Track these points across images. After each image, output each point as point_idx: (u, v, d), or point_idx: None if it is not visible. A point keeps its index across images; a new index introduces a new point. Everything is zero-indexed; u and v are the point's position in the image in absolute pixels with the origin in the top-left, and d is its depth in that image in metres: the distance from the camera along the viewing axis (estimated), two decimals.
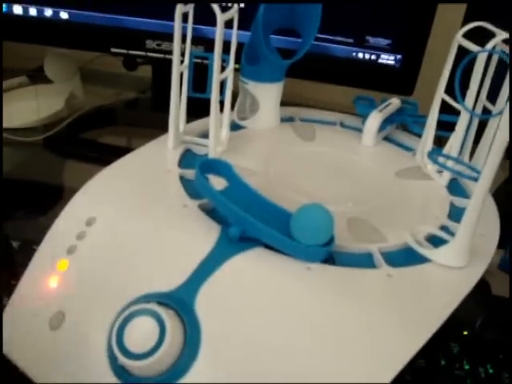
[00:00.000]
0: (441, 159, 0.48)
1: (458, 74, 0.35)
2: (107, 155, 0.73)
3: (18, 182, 0.67)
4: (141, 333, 0.33)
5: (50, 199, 0.65)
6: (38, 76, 0.86)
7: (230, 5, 0.48)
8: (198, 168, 0.41)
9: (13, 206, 0.62)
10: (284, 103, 0.60)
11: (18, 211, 0.61)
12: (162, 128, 0.53)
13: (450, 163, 0.50)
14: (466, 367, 0.46)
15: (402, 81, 0.68)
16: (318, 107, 0.66)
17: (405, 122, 0.60)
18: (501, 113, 0.35)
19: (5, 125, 0.72)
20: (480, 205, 0.37)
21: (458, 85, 0.37)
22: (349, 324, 0.34)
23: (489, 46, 0.45)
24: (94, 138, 0.78)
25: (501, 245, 0.46)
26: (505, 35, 0.45)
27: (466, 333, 0.49)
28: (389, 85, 0.68)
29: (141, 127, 0.80)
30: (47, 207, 0.63)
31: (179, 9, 0.45)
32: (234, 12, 0.48)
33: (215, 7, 0.43)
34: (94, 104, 0.83)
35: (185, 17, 0.47)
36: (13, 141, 0.71)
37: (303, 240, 0.37)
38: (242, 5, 0.64)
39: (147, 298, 0.36)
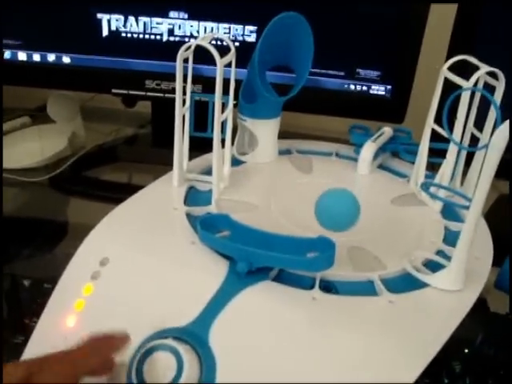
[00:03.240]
0: (433, 189, 0.50)
1: (445, 113, 0.38)
2: (110, 192, 0.75)
3: (25, 221, 0.69)
4: (160, 367, 0.35)
5: (57, 236, 0.66)
6: (39, 116, 0.88)
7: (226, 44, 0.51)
8: (199, 226, 0.44)
9: (21, 245, 0.63)
10: (281, 133, 0.62)
11: (26, 249, 0.63)
12: (162, 163, 0.55)
13: (442, 192, 0.52)
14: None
15: (392, 110, 0.70)
16: (314, 135, 0.68)
17: (397, 150, 0.63)
18: (486, 146, 0.38)
19: (11, 166, 0.74)
20: (472, 231, 0.40)
21: (446, 121, 0.39)
22: (353, 351, 0.36)
23: (472, 79, 0.48)
24: (96, 176, 0.80)
25: (495, 262, 0.48)
26: (487, 68, 0.48)
27: (466, 351, 0.51)
28: (380, 114, 0.70)
29: (141, 163, 0.83)
30: (55, 244, 0.65)
31: (180, 55, 0.48)
32: (231, 55, 0.50)
33: (215, 53, 0.46)
34: (95, 141, 0.85)
35: (185, 59, 0.50)
36: (19, 181, 0.73)
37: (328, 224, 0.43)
38: (236, 44, 0.67)
39: (163, 334, 0.38)
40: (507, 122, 0.36)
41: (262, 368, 0.36)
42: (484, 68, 0.48)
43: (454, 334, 0.39)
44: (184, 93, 0.51)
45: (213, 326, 0.38)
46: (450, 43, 0.65)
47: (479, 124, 0.53)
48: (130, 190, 0.52)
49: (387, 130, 0.63)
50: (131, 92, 0.72)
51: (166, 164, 0.54)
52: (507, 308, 0.58)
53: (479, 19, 0.62)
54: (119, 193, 0.53)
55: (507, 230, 0.71)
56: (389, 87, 0.69)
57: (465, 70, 0.51)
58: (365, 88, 0.70)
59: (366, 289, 0.42)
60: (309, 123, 0.80)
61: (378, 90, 0.69)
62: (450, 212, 0.53)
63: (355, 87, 0.70)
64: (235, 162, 0.59)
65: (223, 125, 0.52)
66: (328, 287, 0.42)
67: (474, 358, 0.51)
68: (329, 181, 0.57)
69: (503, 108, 0.48)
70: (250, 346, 0.37)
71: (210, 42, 0.47)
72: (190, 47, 0.49)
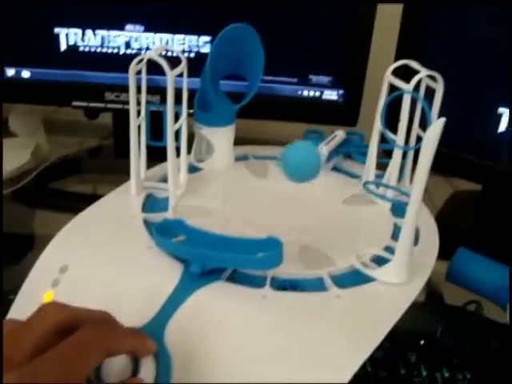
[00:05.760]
0: (374, 187, 0.53)
1: (383, 114, 0.40)
2: (75, 203, 0.76)
3: None
4: (117, 365, 0.36)
5: (22, 249, 0.67)
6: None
7: (176, 55, 0.53)
8: (154, 232, 0.46)
9: None
10: (240, 140, 0.64)
11: None
12: (126, 173, 0.56)
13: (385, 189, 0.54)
14: (424, 373, 0.50)
15: (345, 114, 0.73)
16: (271, 140, 0.70)
17: (350, 152, 0.65)
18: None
19: None
20: (412, 225, 0.42)
21: (384, 123, 0.41)
22: (301, 342, 0.38)
23: (412, 82, 0.50)
24: (60, 188, 0.81)
25: (446, 256, 0.50)
26: (426, 72, 0.51)
27: (422, 342, 0.53)
28: (334, 118, 0.73)
29: (105, 174, 0.83)
30: (20, 256, 0.65)
31: (132, 69, 0.50)
32: (182, 67, 0.52)
33: (164, 66, 0.48)
34: (58, 153, 0.85)
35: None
36: None
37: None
38: (191, 55, 0.69)
39: None
40: (440, 120, 0.38)
41: (214, 361, 0.38)
42: (423, 72, 0.51)
43: (411, 326, 0.41)
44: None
45: (168, 325, 0.39)
46: (397, 49, 0.68)
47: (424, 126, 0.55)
48: (94, 200, 0.53)
49: (339, 133, 0.65)
50: (91, 104, 0.74)
51: (129, 174, 0.55)
52: (461, 300, 0.60)
53: (424, 25, 0.65)
54: (84, 203, 0.54)
55: (458, 224, 0.74)
56: (341, 92, 0.72)
57: (410, 74, 0.53)
58: (318, 93, 0.72)
59: (315, 285, 0.44)
60: (266, 129, 0.81)
61: (331, 95, 0.72)
62: (398, 209, 0.55)
63: (308, 93, 0.72)
64: (193, 169, 0.61)
65: (178, 133, 0.54)
66: (280, 285, 0.43)
67: (429, 348, 0.53)
68: (283, 184, 0.59)
69: (446, 109, 0.51)
70: (203, 342, 0.39)
71: (162, 54, 0.49)
72: (141, 60, 0.51)
